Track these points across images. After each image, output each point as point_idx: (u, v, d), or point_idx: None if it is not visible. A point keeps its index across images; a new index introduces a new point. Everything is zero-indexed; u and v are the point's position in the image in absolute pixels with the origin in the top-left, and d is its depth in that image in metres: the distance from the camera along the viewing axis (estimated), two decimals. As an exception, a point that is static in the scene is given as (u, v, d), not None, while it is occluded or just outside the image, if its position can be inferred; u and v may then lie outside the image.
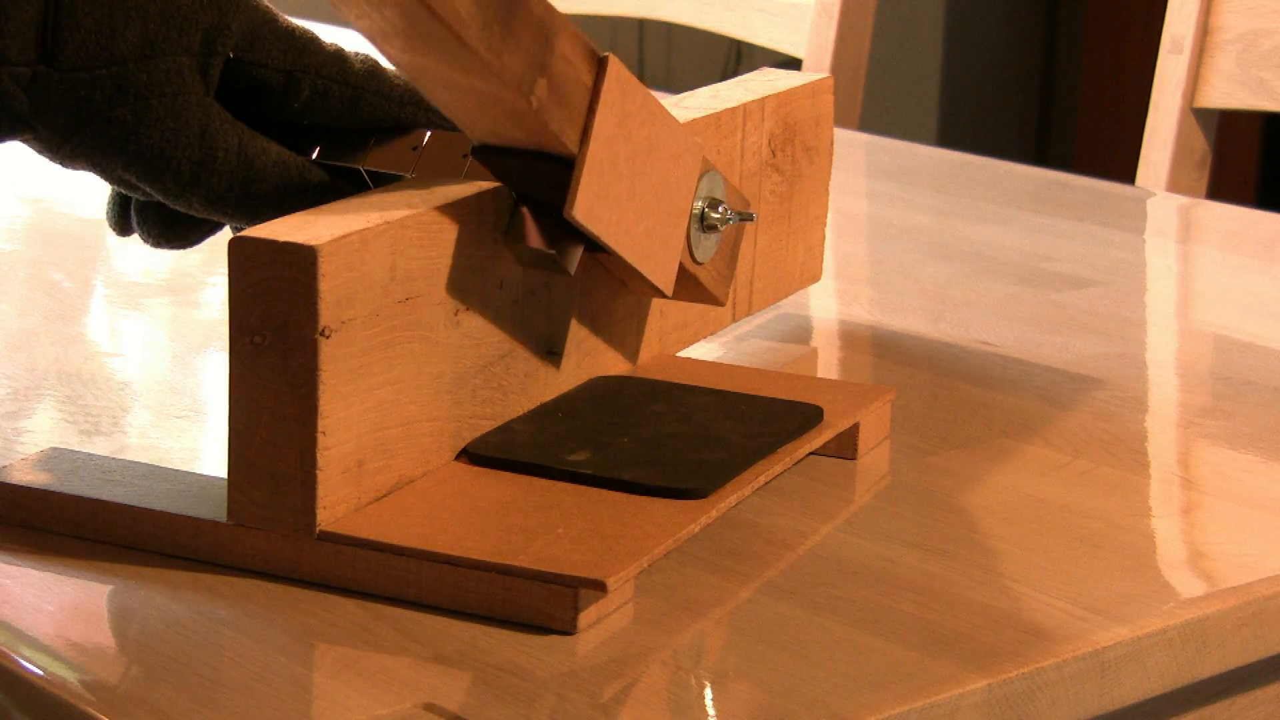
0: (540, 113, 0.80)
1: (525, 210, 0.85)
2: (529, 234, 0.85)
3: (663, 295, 0.91)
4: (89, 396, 0.99)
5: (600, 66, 0.83)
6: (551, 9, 0.81)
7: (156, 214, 0.89)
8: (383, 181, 0.89)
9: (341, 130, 0.89)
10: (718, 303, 0.96)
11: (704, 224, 0.92)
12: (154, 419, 0.98)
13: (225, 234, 0.87)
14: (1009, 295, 1.21)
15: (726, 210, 0.92)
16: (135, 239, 0.91)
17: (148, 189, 0.86)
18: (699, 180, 0.91)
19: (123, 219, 0.91)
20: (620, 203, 0.85)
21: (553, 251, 0.84)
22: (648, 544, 0.78)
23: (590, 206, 0.83)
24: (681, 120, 0.97)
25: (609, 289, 0.94)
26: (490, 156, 0.84)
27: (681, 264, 0.91)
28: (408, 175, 0.88)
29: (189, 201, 0.86)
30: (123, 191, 0.89)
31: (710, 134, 0.99)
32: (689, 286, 0.94)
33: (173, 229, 0.89)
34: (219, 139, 0.85)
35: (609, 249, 0.85)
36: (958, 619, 0.77)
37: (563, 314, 0.91)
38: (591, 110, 0.82)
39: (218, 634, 0.76)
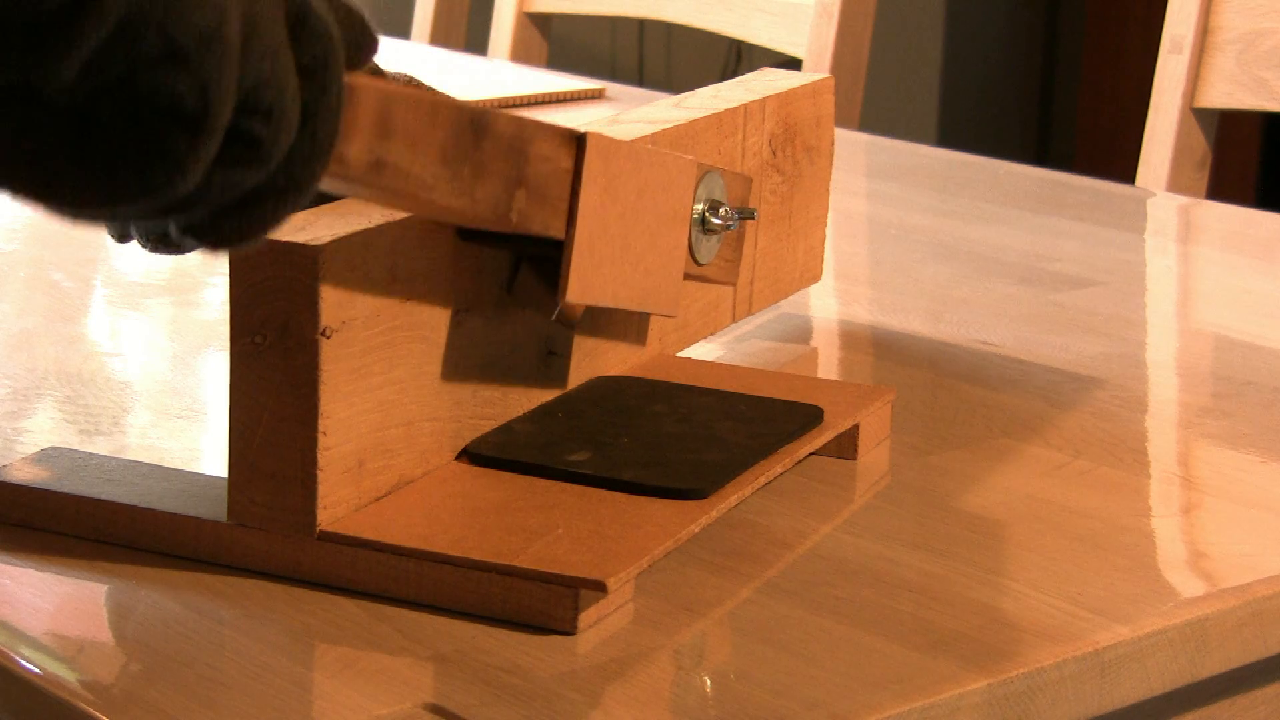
0: (522, 222, 0.80)
1: (525, 267, 0.85)
2: (530, 293, 0.86)
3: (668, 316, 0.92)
4: (89, 396, 0.99)
5: (580, 146, 0.83)
6: (520, 121, 0.79)
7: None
8: None
9: None
10: (730, 284, 0.96)
11: (705, 227, 0.92)
12: (154, 419, 0.98)
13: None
14: (1009, 295, 1.21)
15: (728, 212, 0.92)
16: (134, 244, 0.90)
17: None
18: (697, 184, 0.91)
19: (122, 226, 0.89)
20: (615, 263, 0.85)
21: (554, 313, 0.84)
22: (648, 544, 0.78)
23: (584, 286, 0.84)
24: (681, 120, 0.97)
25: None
26: (477, 237, 0.84)
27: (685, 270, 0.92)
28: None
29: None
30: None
31: (711, 134, 0.99)
32: (696, 281, 0.94)
33: (170, 238, 0.87)
34: None
35: (610, 306, 0.86)
36: (958, 619, 0.77)
37: (563, 314, 0.91)
38: (575, 192, 0.83)
39: (218, 634, 0.76)
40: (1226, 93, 1.61)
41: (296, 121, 0.66)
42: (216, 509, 0.80)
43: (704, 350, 1.05)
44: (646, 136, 0.95)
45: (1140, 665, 0.77)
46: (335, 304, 0.77)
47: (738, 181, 0.95)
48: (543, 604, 0.75)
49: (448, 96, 0.76)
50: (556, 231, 0.82)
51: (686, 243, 0.91)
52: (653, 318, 0.98)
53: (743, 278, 1.05)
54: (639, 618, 0.77)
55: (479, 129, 0.77)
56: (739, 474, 0.85)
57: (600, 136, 0.83)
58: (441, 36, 2.25)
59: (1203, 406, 1.04)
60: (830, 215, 1.14)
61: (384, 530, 0.78)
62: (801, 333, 1.14)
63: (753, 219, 0.95)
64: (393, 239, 0.80)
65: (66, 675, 0.72)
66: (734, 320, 1.06)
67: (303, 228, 0.78)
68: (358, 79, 0.70)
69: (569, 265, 0.82)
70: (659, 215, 0.88)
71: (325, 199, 0.84)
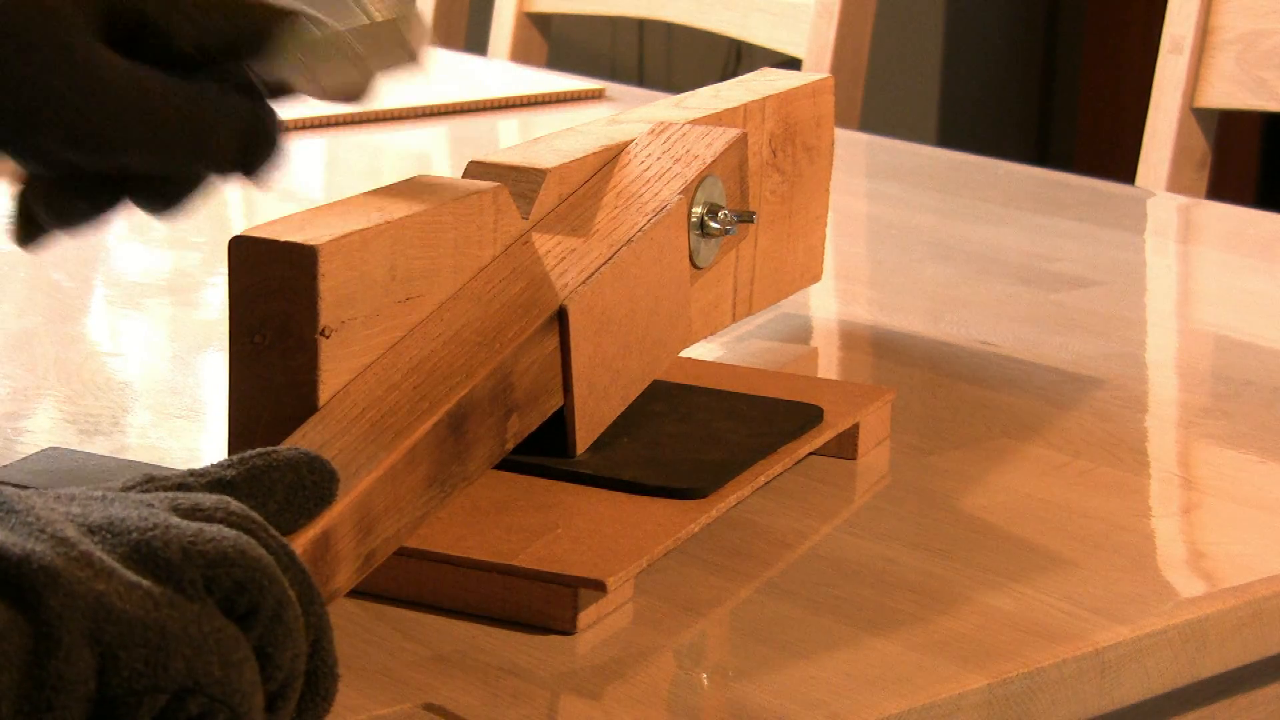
0: (519, 438, 0.82)
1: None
2: None
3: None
4: (89, 396, 0.99)
5: (562, 318, 0.83)
6: (498, 348, 0.80)
7: (57, 193, 0.80)
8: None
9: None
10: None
11: (704, 231, 0.92)
12: (154, 419, 0.98)
13: (225, 235, 0.87)
14: (1009, 295, 1.21)
15: (727, 215, 0.93)
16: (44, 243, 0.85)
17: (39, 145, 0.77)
18: (696, 188, 0.91)
19: (27, 224, 0.81)
20: (615, 380, 0.86)
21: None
22: (648, 544, 0.78)
23: (590, 429, 0.85)
24: (682, 120, 0.97)
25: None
26: None
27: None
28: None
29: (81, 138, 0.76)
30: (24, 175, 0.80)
31: (710, 134, 0.99)
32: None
33: (74, 204, 0.80)
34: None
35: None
36: (958, 619, 0.77)
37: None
38: (566, 364, 0.83)
39: (218, 634, 0.76)
40: (1226, 93, 1.61)
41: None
42: (216, 509, 0.80)
43: (704, 350, 1.05)
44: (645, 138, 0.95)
45: (1140, 665, 0.77)
46: (335, 304, 0.77)
47: (733, 170, 0.94)
48: (542, 604, 0.75)
49: (422, 411, 0.76)
50: (555, 404, 0.83)
51: (688, 300, 0.91)
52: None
53: (743, 278, 1.05)
54: (639, 618, 0.77)
55: (457, 424, 0.77)
56: (739, 474, 0.85)
57: (580, 298, 0.83)
58: (441, 36, 2.25)
59: (1203, 406, 1.04)
60: (830, 215, 1.14)
61: (384, 530, 0.78)
62: (801, 333, 1.14)
63: (751, 222, 0.95)
64: (393, 239, 0.79)
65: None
66: (734, 320, 1.06)
67: (302, 227, 0.78)
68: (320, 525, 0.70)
69: (574, 426, 0.84)
70: (657, 295, 0.89)
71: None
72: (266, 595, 0.61)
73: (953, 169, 1.59)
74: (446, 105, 1.66)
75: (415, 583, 0.77)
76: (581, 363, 0.83)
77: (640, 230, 0.87)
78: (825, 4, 1.83)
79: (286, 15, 0.79)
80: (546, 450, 0.84)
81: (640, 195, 0.90)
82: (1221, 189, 1.72)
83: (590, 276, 0.84)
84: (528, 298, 0.83)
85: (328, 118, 1.60)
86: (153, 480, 0.67)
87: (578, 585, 0.75)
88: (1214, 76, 1.62)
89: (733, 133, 0.95)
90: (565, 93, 1.75)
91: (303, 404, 0.77)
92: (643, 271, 0.88)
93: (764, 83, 1.07)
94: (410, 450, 0.74)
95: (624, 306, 0.86)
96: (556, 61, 2.16)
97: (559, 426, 0.84)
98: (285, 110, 0.80)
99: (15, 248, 0.80)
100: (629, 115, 0.99)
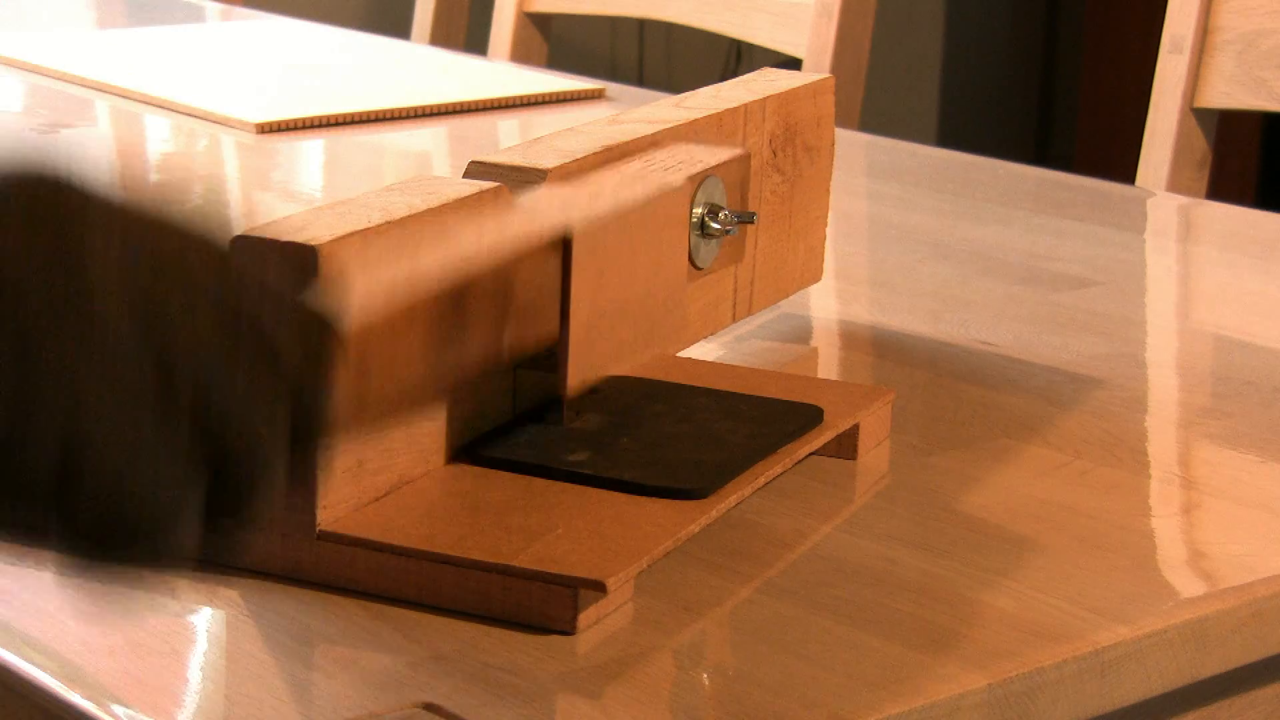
0: (514, 353, 0.82)
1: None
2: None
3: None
4: (89, 396, 0.99)
5: (566, 246, 0.83)
6: (502, 250, 0.80)
7: None
8: None
9: None
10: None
11: (705, 232, 0.92)
12: (154, 419, 0.98)
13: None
14: (1009, 295, 1.21)
15: (727, 216, 0.93)
16: None
17: None
18: (696, 189, 0.91)
19: None
20: (612, 333, 0.86)
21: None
22: (648, 544, 0.78)
23: (583, 373, 0.85)
24: (682, 120, 0.97)
25: (609, 289, 0.94)
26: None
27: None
28: None
29: None
30: None
31: (711, 134, 0.99)
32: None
33: None
34: None
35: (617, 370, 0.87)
36: (958, 619, 0.77)
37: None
38: (566, 295, 0.83)
39: (218, 634, 0.76)
40: (1226, 93, 1.61)
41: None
42: (216, 509, 0.80)
43: (704, 350, 1.05)
44: (646, 137, 0.95)
45: (1140, 665, 0.77)
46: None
47: (734, 167, 0.94)
48: (542, 604, 0.75)
49: (429, 268, 0.76)
50: (550, 339, 0.83)
51: (685, 273, 0.91)
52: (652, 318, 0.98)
53: (743, 278, 1.05)
54: (639, 618, 0.77)
55: (458, 299, 0.78)
56: (739, 474, 0.85)
57: (587, 231, 0.83)
58: (441, 36, 2.25)
59: (1203, 406, 1.04)
60: (830, 215, 1.14)
61: (384, 530, 0.78)
62: (801, 333, 1.14)
63: (752, 222, 0.95)
64: (393, 239, 0.80)
65: (66, 675, 0.72)
66: (734, 320, 1.06)
67: (303, 228, 0.78)
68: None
69: (566, 361, 0.83)
70: (655, 261, 0.89)
71: None
72: None
73: (953, 169, 1.59)
74: (446, 105, 1.66)
75: (415, 583, 0.77)
76: (580, 296, 0.83)
77: (645, 198, 0.88)
78: (825, 4, 1.83)
79: None
80: (541, 414, 0.85)
81: (645, 177, 0.91)
82: (1221, 189, 1.72)
83: (595, 220, 0.85)
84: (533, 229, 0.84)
85: (328, 118, 1.60)
86: None
87: (578, 585, 0.75)
88: (1214, 76, 1.62)
89: (736, 150, 0.95)
90: (565, 93, 1.75)
91: (303, 404, 0.77)
92: (645, 235, 0.87)
93: (764, 83, 1.07)
94: (410, 310, 0.75)
95: (624, 261, 0.86)
96: (556, 61, 2.16)
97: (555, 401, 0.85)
98: None
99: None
100: (629, 115, 0.99)
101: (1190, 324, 1.22)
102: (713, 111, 0.99)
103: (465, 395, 0.85)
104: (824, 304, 1.19)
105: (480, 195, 0.84)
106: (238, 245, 0.77)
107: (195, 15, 2.19)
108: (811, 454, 0.92)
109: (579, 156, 0.91)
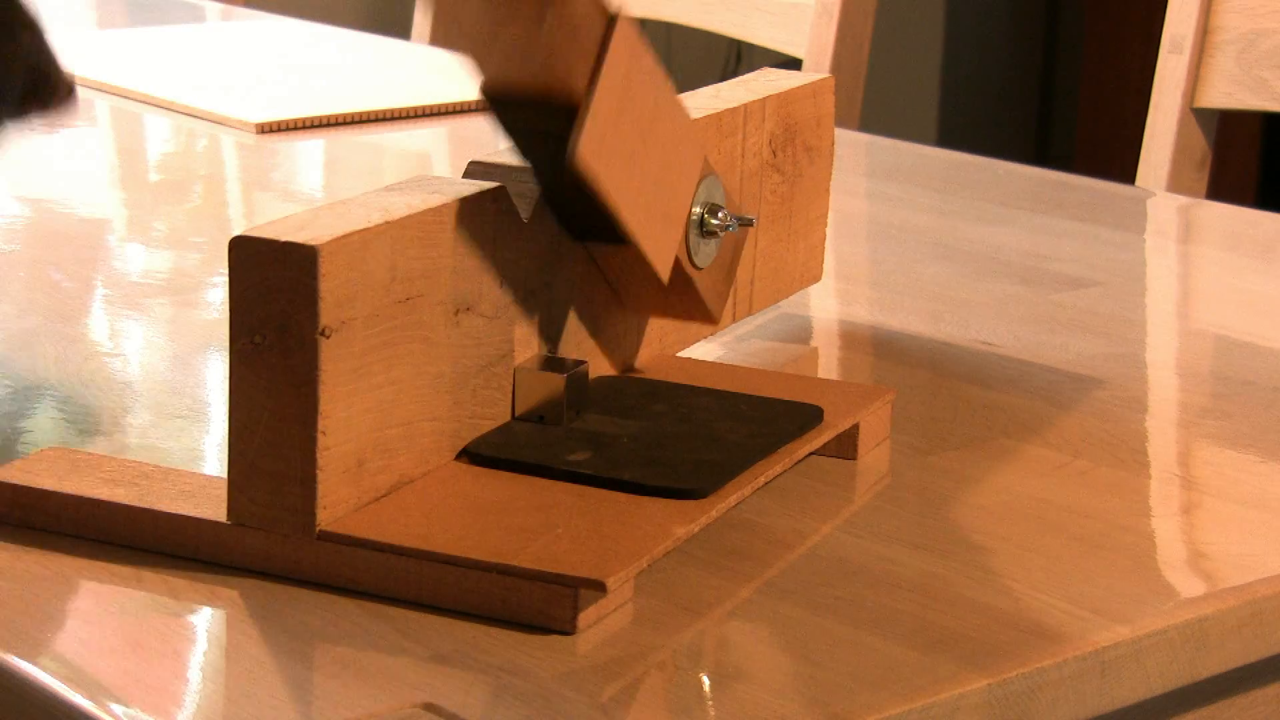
0: (549, 38, 0.80)
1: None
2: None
3: (659, 282, 0.91)
4: (89, 396, 0.99)
5: (610, 23, 0.83)
6: None
7: None
8: None
9: None
10: (711, 320, 0.96)
11: (704, 230, 0.92)
12: (154, 419, 0.98)
13: (225, 235, 0.87)
14: (1009, 295, 1.21)
15: (726, 216, 0.92)
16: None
17: None
18: (699, 184, 0.91)
19: None
20: (625, 161, 0.85)
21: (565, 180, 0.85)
22: (648, 544, 0.78)
23: (595, 153, 0.83)
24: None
25: (610, 289, 0.94)
26: (497, 104, 0.84)
27: (680, 266, 0.91)
28: None
29: None
30: None
31: (711, 134, 0.99)
32: (684, 296, 0.94)
33: None
34: None
35: (612, 208, 0.85)
36: (958, 619, 0.77)
37: (562, 314, 0.91)
38: (600, 58, 0.82)
39: (218, 634, 0.76)
40: (1226, 93, 1.61)
41: None
42: (216, 509, 0.80)
43: (704, 350, 1.05)
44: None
45: (1140, 665, 0.77)
46: (335, 304, 0.77)
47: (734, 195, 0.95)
48: (542, 604, 0.75)
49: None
50: (579, 81, 0.83)
51: (686, 214, 0.90)
52: (654, 318, 0.98)
53: (743, 278, 1.05)
54: (639, 618, 0.77)
55: None
56: (739, 474, 0.85)
57: (631, 28, 0.84)
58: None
59: (1203, 406, 1.04)
60: (830, 215, 1.14)
61: (384, 530, 0.78)
62: (801, 333, 1.14)
63: (751, 225, 0.95)
64: (393, 239, 0.80)
65: (66, 675, 0.72)
66: (734, 320, 1.06)
67: (302, 228, 0.78)
68: None
69: (584, 122, 0.82)
70: (667, 157, 0.88)
71: None
72: None
73: (953, 169, 1.59)
74: (446, 105, 1.66)
75: (415, 583, 0.77)
76: (611, 74, 0.83)
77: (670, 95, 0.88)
78: (825, 4, 1.83)
79: None
80: (556, 159, 0.84)
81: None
82: (1221, 189, 1.72)
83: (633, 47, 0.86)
84: None
85: (328, 118, 1.60)
86: None
87: (578, 585, 0.75)
88: (1214, 76, 1.62)
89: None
90: (565, 93, 1.74)
91: (303, 404, 0.77)
92: (662, 115, 0.88)
93: (764, 83, 1.07)
94: None
95: (649, 106, 0.86)
96: (556, 61, 2.15)
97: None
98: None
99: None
100: (629, 115, 0.99)
101: (1190, 324, 1.22)
102: (713, 112, 1.00)
103: (465, 395, 0.85)
104: (824, 304, 1.19)
105: (480, 195, 0.84)
106: (238, 245, 0.77)
107: (195, 15, 2.19)
108: (811, 454, 0.92)
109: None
